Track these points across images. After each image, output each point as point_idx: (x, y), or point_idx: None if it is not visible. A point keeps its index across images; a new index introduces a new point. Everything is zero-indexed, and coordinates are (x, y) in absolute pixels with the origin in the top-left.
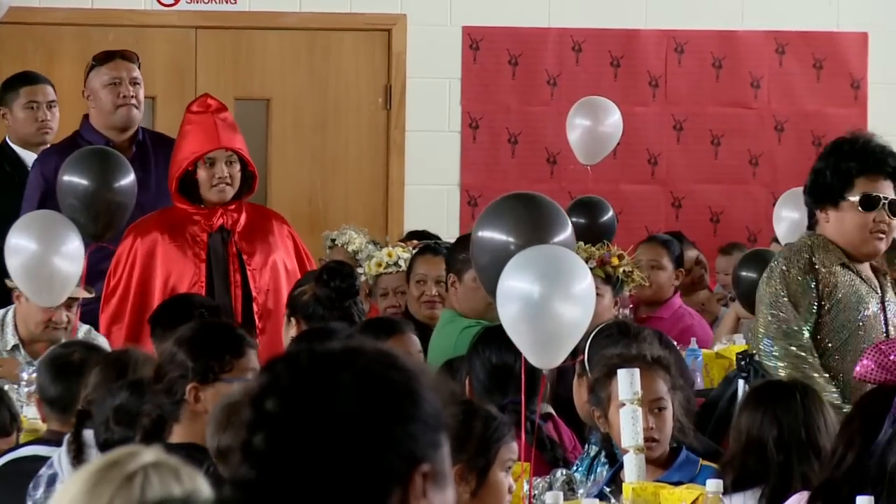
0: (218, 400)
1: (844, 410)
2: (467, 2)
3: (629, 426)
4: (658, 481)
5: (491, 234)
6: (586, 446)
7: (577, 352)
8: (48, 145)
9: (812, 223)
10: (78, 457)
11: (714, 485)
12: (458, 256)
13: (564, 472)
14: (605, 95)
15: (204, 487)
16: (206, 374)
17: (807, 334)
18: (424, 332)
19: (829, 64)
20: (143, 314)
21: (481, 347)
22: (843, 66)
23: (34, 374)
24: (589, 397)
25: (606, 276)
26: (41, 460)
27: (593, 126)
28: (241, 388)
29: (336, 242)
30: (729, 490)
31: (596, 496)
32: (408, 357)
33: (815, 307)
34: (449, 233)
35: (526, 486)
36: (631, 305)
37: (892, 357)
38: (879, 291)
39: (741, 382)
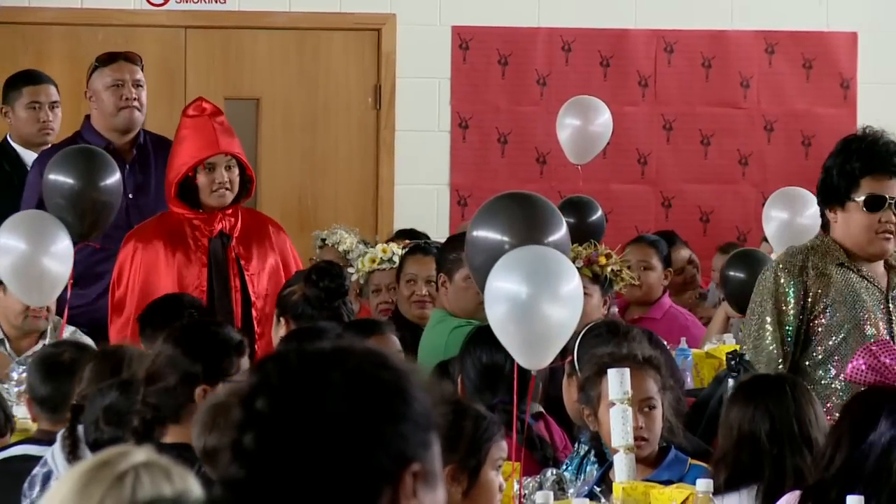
0: None
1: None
2: (457, 1)
3: (619, 426)
4: (647, 480)
5: (485, 234)
6: (576, 445)
7: (567, 352)
8: (49, 146)
9: (824, 223)
10: (73, 452)
11: (704, 484)
12: (448, 256)
13: (554, 471)
14: (594, 95)
15: (195, 487)
16: (216, 375)
17: (775, 344)
18: (414, 331)
19: (819, 64)
20: None
21: (472, 347)
22: (833, 66)
23: (24, 374)
24: (579, 396)
25: (594, 276)
26: (32, 460)
27: (583, 125)
28: (228, 389)
29: (326, 242)
30: (723, 489)
31: (586, 496)
32: (398, 356)
33: (800, 310)
34: (438, 232)
35: (516, 486)
36: (616, 308)
37: (882, 358)
38: (885, 290)
39: (731, 382)
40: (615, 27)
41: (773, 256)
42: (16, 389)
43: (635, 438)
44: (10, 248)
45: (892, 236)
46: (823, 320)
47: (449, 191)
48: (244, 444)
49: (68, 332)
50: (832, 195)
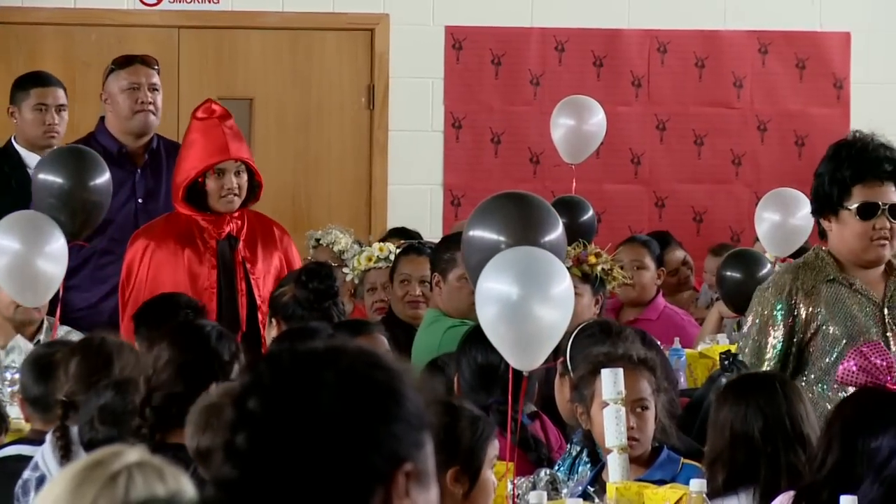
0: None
1: None
2: (450, 1)
3: (612, 426)
4: (640, 480)
5: (482, 234)
6: (569, 445)
7: (559, 352)
8: (54, 148)
9: (821, 231)
10: (65, 452)
11: (698, 484)
12: (442, 256)
13: (548, 471)
14: (587, 95)
15: (188, 487)
16: (220, 378)
17: (763, 365)
18: (408, 331)
19: (812, 64)
20: None
21: (468, 347)
22: (826, 66)
23: (17, 375)
24: (573, 394)
25: (584, 275)
26: (25, 460)
27: (577, 125)
28: (221, 389)
29: (321, 242)
30: (721, 491)
31: (580, 496)
32: (391, 356)
33: (788, 332)
34: (432, 232)
35: (510, 486)
36: (605, 306)
37: (873, 360)
38: (880, 300)
39: (725, 382)
40: (608, 27)
41: (767, 256)
42: (9, 390)
43: (627, 438)
44: (5, 248)
45: (887, 242)
46: (818, 341)
47: (442, 191)
48: (237, 444)
49: (62, 331)
50: (825, 204)
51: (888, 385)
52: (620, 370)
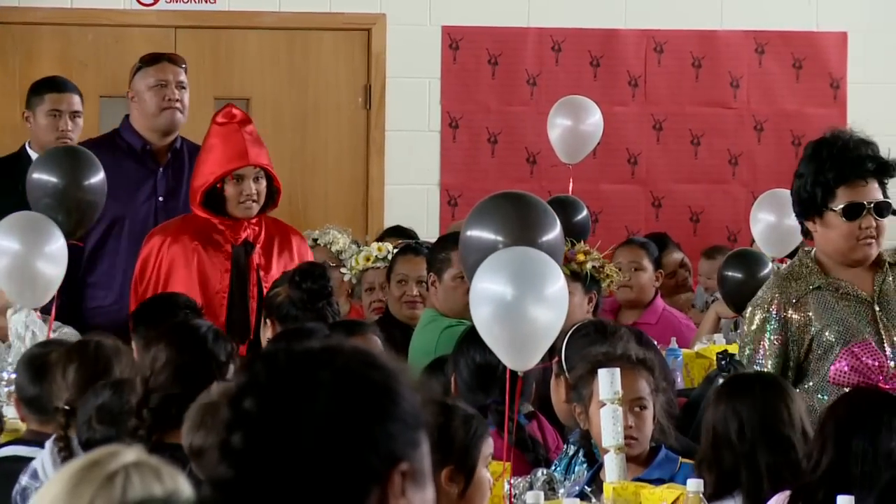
0: None
1: None
2: (447, 1)
3: (609, 426)
4: (638, 479)
5: (479, 234)
6: (565, 446)
7: (555, 351)
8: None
9: (804, 230)
10: (68, 460)
11: (695, 484)
12: (438, 256)
13: (545, 471)
14: (584, 95)
15: (185, 487)
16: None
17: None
18: (405, 331)
19: (809, 64)
20: None
21: (466, 347)
22: (823, 66)
23: (13, 375)
24: (571, 394)
25: (573, 274)
26: (22, 461)
27: (574, 125)
28: (218, 389)
29: (318, 242)
30: (711, 495)
31: (577, 496)
32: (387, 356)
33: (783, 343)
34: (429, 232)
35: (507, 486)
36: (601, 304)
37: (864, 360)
38: (871, 297)
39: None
40: (605, 27)
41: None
42: (6, 390)
43: (625, 438)
44: (4, 249)
45: (873, 241)
46: (813, 349)
47: (439, 191)
48: (232, 443)
49: (56, 327)
50: (809, 206)
51: (880, 384)
52: (617, 370)
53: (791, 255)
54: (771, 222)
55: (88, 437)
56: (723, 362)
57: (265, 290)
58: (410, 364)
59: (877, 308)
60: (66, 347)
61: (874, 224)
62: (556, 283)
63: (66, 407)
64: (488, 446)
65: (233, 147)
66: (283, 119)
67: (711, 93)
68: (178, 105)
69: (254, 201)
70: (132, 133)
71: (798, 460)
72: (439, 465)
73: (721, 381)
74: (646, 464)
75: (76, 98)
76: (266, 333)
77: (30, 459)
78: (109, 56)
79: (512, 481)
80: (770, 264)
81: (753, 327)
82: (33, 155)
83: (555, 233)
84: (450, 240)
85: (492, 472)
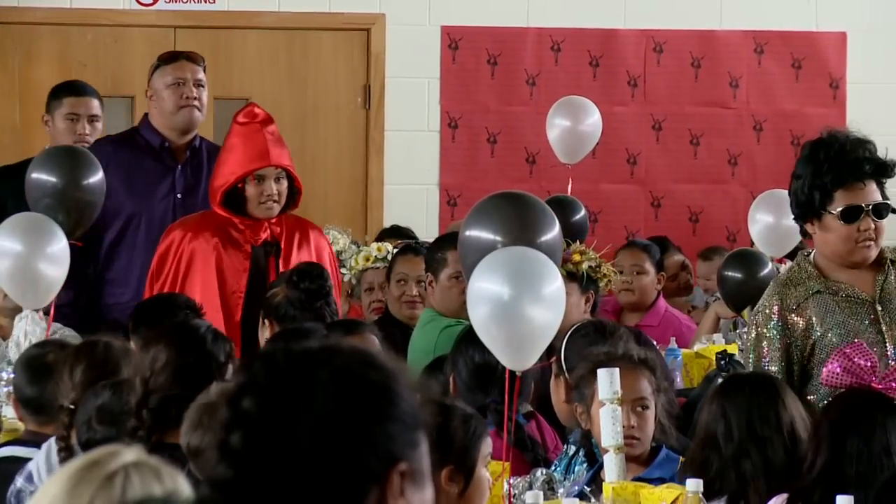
0: None
1: None
2: (446, 1)
3: (609, 426)
4: (639, 478)
5: (478, 234)
6: (565, 446)
7: (553, 351)
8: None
9: (803, 231)
10: (66, 460)
11: (694, 484)
12: (435, 256)
13: (545, 471)
14: (584, 95)
15: (185, 487)
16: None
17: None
18: (404, 331)
19: (808, 64)
20: None
21: (465, 346)
22: (822, 66)
23: (12, 375)
24: (572, 394)
25: (570, 274)
26: (20, 461)
27: (573, 126)
28: (217, 389)
29: None
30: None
31: (576, 496)
32: (385, 356)
33: (786, 348)
34: (428, 232)
35: (506, 486)
36: (599, 304)
37: (856, 360)
38: (871, 298)
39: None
40: (604, 27)
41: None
42: (5, 390)
43: (627, 437)
44: (6, 250)
45: (872, 243)
46: (816, 353)
47: (438, 191)
48: (231, 443)
49: (52, 329)
50: (807, 209)
51: (873, 384)
52: (616, 370)
53: (790, 256)
54: (769, 223)
55: (88, 438)
56: (722, 362)
57: None
58: (410, 364)
59: (879, 308)
60: (74, 347)
61: (873, 226)
62: (554, 283)
63: (72, 407)
64: (487, 446)
65: (254, 147)
66: (283, 119)
67: (711, 93)
68: (195, 103)
69: (275, 202)
70: (151, 131)
71: (781, 463)
72: (439, 464)
73: (720, 381)
74: (647, 463)
75: (94, 102)
76: (264, 334)
77: (28, 460)
78: (109, 56)
79: (511, 481)
80: (770, 264)
81: (755, 334)
82: None
83: (553, 233)
84: (446, 240)
85: (491, 471)
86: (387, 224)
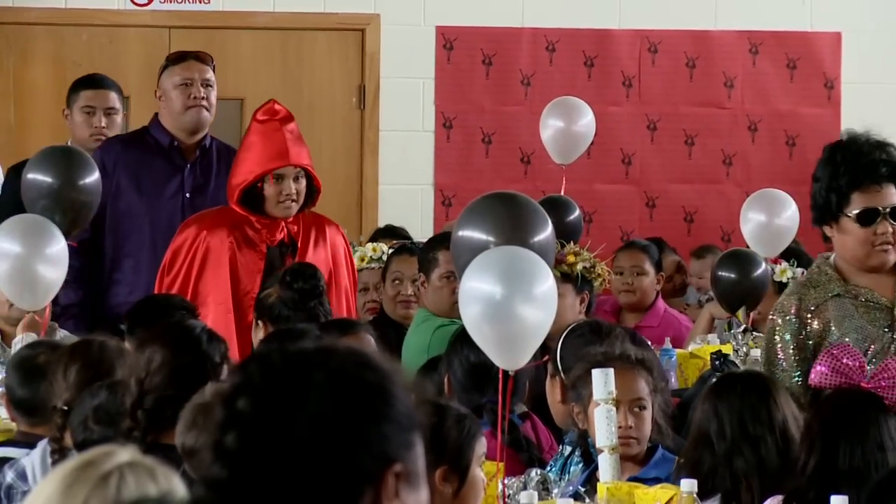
0: None
1: None
2: (441, 2)
3: (603, 426)
4: (635, 478)
5: (471, 234)
6: (560, 446)
7: (547, 350)
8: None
9: (824, 236)
10: (59, 462)
11: (688, 484)
12: (426, 256)
13: (539, 471)
14: (578, 95)
15: (179, 487)
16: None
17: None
18: (399, 331)
19: (803, 64)
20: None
21: (460, 346)
22: (817, 66)
23: (3, 376)
24: (570, 394)
25: (564, 275)
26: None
27: (566, 126)
28: (212, 389)
29: None
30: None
31: (571, 496)
32: (381, 357)
33: (800, 349)
34: (423, 232)
35: (500, 486)
36: (594, 304)
37: (844, 360)
38: (891, 304)
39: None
40: (599, 27)
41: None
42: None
43: (625, 438)
44: (5, 251)
45: (890, 246)
46: None
47: (433, 191)
48: (226, 443)
49: (59, 337)
50: (825, 212)
51: (862, 384)
52: (611, 370)
53: (785, 256)
54: (761, 222)
55: (85, 438)
56: (717, 362)
57: None
58: (404, 364)
59: None
60: (68, 347)
61: (890, 230)
62: (546, 283)
63: (65, 408)
64: (481, 446)
65: (273, 146)
66: None
67: (705, 93)
68: (203, 103)
69: (293, 201)
70: (160, 130)
71: (774, 462)
72: (433, 465)
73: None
74: (643, 463)
75: (112, 95)
76: (258, 335)
77: (18, 462)
78: (104, 56)
79: (506, 481)
80: (763, 264)
81: (773, 334)
82: None
83: (546, 233)
84: (438, 240)
85: (486, 472)
86: (381, 224)
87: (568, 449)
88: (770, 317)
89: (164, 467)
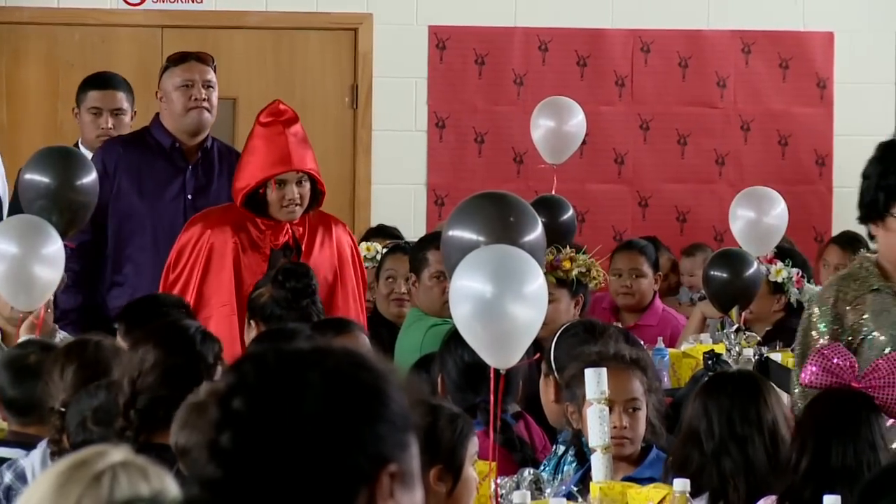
0: None
1: None
2: (434, 1)
3: (596, 425)
4: (629, 478)
5: (461, 234)
6: (554, 446)
7: (538, 349)
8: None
9: (870, 235)
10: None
11: (681, 484)
12: (417, 255)
13: (532, 471)
14: (571, 95)
15: (172, 487)
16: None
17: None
18: (392, 330)
19: (796, 64)
20: (198, 311)
21: (454, 346)
22: (810, 66)
23: None
24: (564, 393)
25: (559, 281)
26: (3, 462)
27: (557, 126)
28: (207, 388)
29: None
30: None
31: (565, 496)
32: (376, 357)
33: (835, 338)
34: (416, 232)
35: (493, 486)
36: (588, 304)
37: (835, 360)
38: None
39: None
40: (592, 27)
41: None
42: None
43: (619, 438)
44: (1, 252)
45: None
46: (864, 350)
47: (426, 190)
48: (221, 443)
49: (58, 338)
50: (871, 210)
51: (853, 384)
52: (604, 370)
53: (780, 256)
54: (750, 219)
55: (84, 439)
56: (709, 362)
57: None
58: (397, 363)
59: None
60: (63, 347)
61: None
62: (536, 281)
63: (62, 409)
64: (474, 445)
65: (276, 150)
66: None
67: (698, 92)
68: (204, 104)
69: (297, 205)
70: (162, 131)
71: (762, 462)
72: (427, 465)
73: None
74: (637, 463)
75: (119, 95)
76: (250, 334)
77: (10, 461)
78: (96, 56)
79: (499, 481)
80: (755, 264)
81: (809, 323)
82: (85, 152)
83: (536, 233)
84: (428, 240)
85: (478, 471)
86: (374, 224)
87: (561, 449)
88: (806, 307)
89: (156, 467)
